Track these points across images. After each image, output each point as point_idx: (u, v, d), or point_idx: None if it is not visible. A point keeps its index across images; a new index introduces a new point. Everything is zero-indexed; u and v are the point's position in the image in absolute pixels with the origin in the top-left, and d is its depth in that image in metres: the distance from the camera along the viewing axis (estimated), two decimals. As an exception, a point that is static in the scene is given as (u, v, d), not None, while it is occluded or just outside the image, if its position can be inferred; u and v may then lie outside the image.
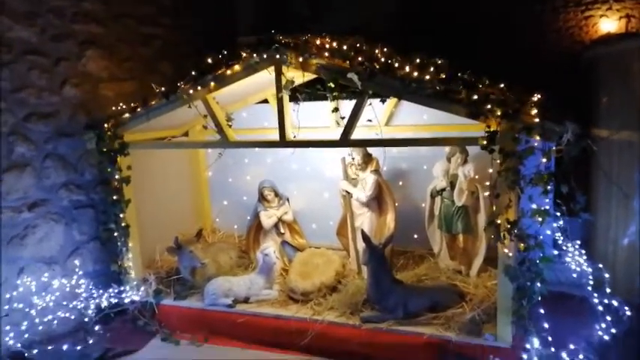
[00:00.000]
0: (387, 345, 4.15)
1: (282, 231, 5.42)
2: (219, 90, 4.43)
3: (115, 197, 4.88)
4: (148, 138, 5.16)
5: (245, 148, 5.46)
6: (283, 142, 4.31)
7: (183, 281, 5.10)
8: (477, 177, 4.71)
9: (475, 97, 3.60)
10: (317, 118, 5.34)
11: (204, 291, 4.85)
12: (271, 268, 4.89)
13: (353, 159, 4.89)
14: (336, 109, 4.20)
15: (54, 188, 4.88)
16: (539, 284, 3.67)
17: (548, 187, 3.58)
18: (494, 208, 3.70)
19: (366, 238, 4.36)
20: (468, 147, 4.64)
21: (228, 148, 4.61)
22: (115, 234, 4.95)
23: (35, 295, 4.55)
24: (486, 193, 4.75)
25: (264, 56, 4.11)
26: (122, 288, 4.89)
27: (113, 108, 4.94)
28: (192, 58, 5.38)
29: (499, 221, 3.65)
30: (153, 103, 4.65)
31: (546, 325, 3.73)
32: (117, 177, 4.83)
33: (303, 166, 5.75)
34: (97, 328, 4.61)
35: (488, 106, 3.56)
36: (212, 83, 4.37)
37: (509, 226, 3.61)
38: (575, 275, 4.03)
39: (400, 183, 5.41)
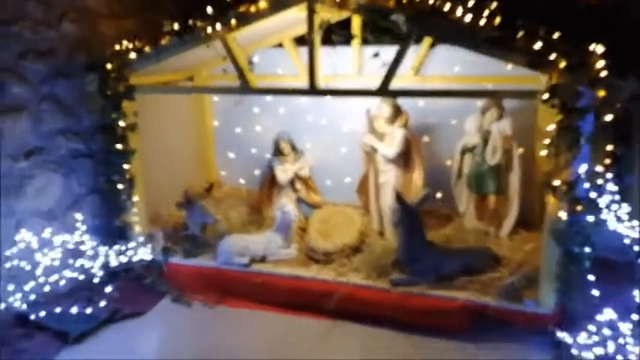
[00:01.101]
0: (418, 309, 3.92)
1: (297, 187, 5.09)
2: (239, 29, 3.98)
3: (119, 146, 4.44)
4: (152, 81, 4.68)
5: (268, 95, 5.02)
6: (313, 91, 3.91)
7: (193, 238, 4.75)
8: (511, 134, 4.43)
9: (539, 45, 3.26)
10: (332, 64, 4.95)
11: (218, 249, 4.53)
12: (289, 226, 4.58)
13: (381, 111, 4.52)
14: (376, 55, 3.79)
15: (50, 135, 4.41)
16: (588, 249, 3.46)
17: (608, 147, 3.32)
18: (549, 167, 3.41)
19: (399, 196, 4.06)
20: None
21: (250, 95, 4.18)
22: (119, 187, 4.54)
23: (38, 253, 4.16)
24: (520, 150, 4.53)
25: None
26: (128, 245, 4.53)
27: (117, 47, 4.43)
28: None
29: (556, 182, 3.38)
30: (163, 42, 4.18)
31: (593, 292, 3.54)
32: (122, 124, 4.38)
33: (318, 118, 5.35)
34: (103, 287, 4.27)
35: (553, 57, 3.22)
36: (233, 21, 3.91)
37: (565, 187, 3.34)
38: (623, 240, 3.82)
39: (426, 139, 5.07)
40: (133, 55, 4.28)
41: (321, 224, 4.71)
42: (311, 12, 3.74)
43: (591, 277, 3.51)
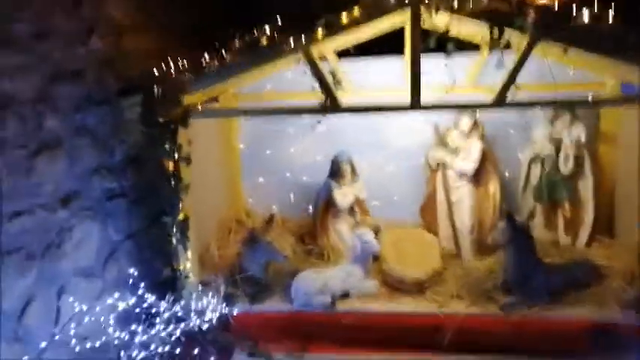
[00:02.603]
0: (538, 334, 3.68)
1: (356, 210, 4.64)
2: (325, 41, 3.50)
3: (172, 182, 3.74)
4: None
5: (363, 113, 4.50)
6: (416, 106, 3.51)
7: (255, 281, 4.13)
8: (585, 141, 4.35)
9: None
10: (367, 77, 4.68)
11: (293, 289, 3.97)
12: (369, 257, 4.13)
13: (460, 124, 4.24)
14: (500, 65, 3.47)
15: (85, 175, 3.60)
16: None
17: None
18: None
19: (509, 214, 3.79)
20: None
21: (338, 113, 3.68)
22: (172, 229, 3.83)
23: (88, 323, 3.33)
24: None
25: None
26: (187, 298, 3.81)
27: (163, 65, 3.74)
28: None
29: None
30: (228, 59, 3.57)
31: None
32: (177, 155, 3.69)
33: (361, 135, 4.94)
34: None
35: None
36: (320, 31, 3.42)
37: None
38: None
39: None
40: (187, 75, 3.61)
41: (394, 250, 4.30)
42: (416, 18, 3.35)
43: None
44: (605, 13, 3.26)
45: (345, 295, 4.02)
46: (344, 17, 3.41)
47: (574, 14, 3.24)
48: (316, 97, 4.57)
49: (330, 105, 3.60)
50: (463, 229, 4.39)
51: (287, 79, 4.77)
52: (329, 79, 3.59)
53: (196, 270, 4.04)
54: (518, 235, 3.76)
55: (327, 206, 4.59)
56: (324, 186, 4.54)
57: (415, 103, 3.50)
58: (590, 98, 3.56)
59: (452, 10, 3.29)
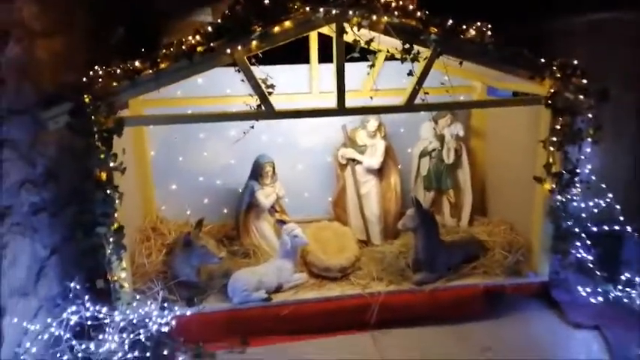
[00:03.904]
0: (447, 301, 4.34)
1: (277, 209, 4.92)
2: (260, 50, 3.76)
3: (106, 192, 3.68)
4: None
5: (294, 118, 4.74)
6: (342, 110, 3.93)
7: (189, 284, 4.20)
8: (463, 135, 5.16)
9: (542, 60, 3.99)
10: (287, 83, 4.99)
11: (230, 288, 4.14)
12: (297, 250, 4.45)
13: (368, 125, 4.76)
14: (410, 73, 3.99)
15: (14, 189, 3.41)
16: (576, 225, 4.34)
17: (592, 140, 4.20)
18: (550, 159, 4.17)
19: (417, 202, 4.37)
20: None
21: (273, 119, 3.90)
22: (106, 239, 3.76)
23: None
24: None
25: (333, 12, 3.65)
26: (121, 308, 3.78)
27: (91, 72, 3.66)
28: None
29: (559, 171, 4.15)
30: (163, 65, 3.63)
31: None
32: (112, 165, 3.65)
33: (274, 137, 5.24)
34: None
35: (553, 69, 3.99)
36: (254, 42, 3.66)
37: (568, 175, 4.15)
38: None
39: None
40: (120, 83, 3.60)
41: (316, 242, 4.67)
42: (341, 33, 3.77)
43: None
44: (485, 32, 3.99)
45: (279, 289, 4.29)
46: (277, 29, 3.67)
47: (463, 32, 3.92)
48: (225, 102, 4.82)
49: (266, 111, 3.85)
50: (373, 218, 4.92)
51: (197, 85, 4.91)
52: (262, 85, 3.84)
53: (130, 279, 4.00)
54: (426, 220, 4.37)
55: (249, 207, 4.80)
56: (246, 188, 4.75)
57: (341, 107, 3.91)
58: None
59: (370, 26, 3.76)
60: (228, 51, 3.63)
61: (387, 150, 4.94)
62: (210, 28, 3.62)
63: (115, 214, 3.75)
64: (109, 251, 3.79)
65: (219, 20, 3.69)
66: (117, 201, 3.74)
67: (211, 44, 3.60)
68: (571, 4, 5.13)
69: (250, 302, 4.12)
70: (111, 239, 3.76)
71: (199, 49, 3.60)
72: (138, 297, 3.94)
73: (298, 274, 4.43)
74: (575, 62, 4.09)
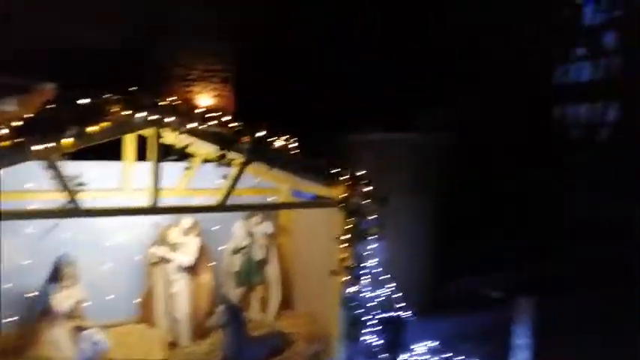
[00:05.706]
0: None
1: (75, 314, 4.56)
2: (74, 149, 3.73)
3: None
4: None
5: (106, 216, 4.51)
6: (156, 209, 4.03)
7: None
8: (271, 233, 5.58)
9: (336, 170, 4.68)
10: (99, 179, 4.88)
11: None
12: (98, 357, 4.18)
13: (182, 223, 4.86)
14: (225, 177, 4.26)
15: None
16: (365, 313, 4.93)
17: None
18: (343, 254, 4.76)
19: (227, 299, 4.52)
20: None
21: (84, 217, 3.73)
22: None
23: None
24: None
25: (152, 117, 3.85)
26: None
27: None
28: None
29: (350, 264, 4.74)
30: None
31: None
32: None
33: (79, 234, 4.93)
34: None
35: (345, 177, 4.70)
36: (70, 140, 3.63)
37: (356, 268, 4.77)
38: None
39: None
40: None
41: (120, 348, 4.44)
42: (159, 136, 3.97)
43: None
44: (288, 144, 4.58)
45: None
46: (93, 129, 3.71)
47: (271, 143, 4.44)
48: (23, 198, 4.56)
49: (74, 208, 3.75)
50: (182, 317, 4.89)
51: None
52: (70, 182, 3.75)
53: None
54: (235, 316, 4.53)
55: (42, 314, 4.39)
56: (41, 293, 4.36)
57: (155, 206, 4.01)
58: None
59: (187, 132, 4.04)
60: (39, 147, 3.53)
61: (200, 248, 5.06)
62: (21, 122, 3.50)
63: None
64: None
65: (30, 115, 3.60)
66: None
67: (19, 139, 3.48)
68: (367, 123, 6.31)
69: None
70: None
71: (5, 143, 3.45)
72: None
73: (100, 385, 4.14)
74: (363, 172, 4.87)
